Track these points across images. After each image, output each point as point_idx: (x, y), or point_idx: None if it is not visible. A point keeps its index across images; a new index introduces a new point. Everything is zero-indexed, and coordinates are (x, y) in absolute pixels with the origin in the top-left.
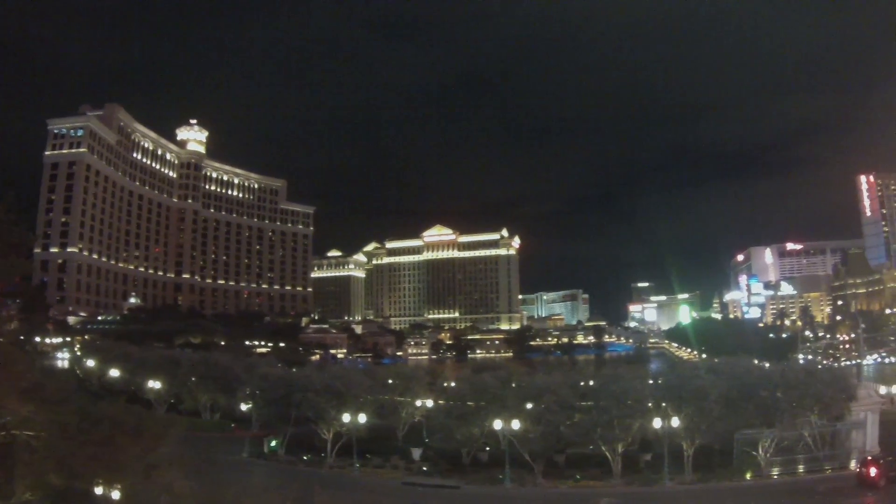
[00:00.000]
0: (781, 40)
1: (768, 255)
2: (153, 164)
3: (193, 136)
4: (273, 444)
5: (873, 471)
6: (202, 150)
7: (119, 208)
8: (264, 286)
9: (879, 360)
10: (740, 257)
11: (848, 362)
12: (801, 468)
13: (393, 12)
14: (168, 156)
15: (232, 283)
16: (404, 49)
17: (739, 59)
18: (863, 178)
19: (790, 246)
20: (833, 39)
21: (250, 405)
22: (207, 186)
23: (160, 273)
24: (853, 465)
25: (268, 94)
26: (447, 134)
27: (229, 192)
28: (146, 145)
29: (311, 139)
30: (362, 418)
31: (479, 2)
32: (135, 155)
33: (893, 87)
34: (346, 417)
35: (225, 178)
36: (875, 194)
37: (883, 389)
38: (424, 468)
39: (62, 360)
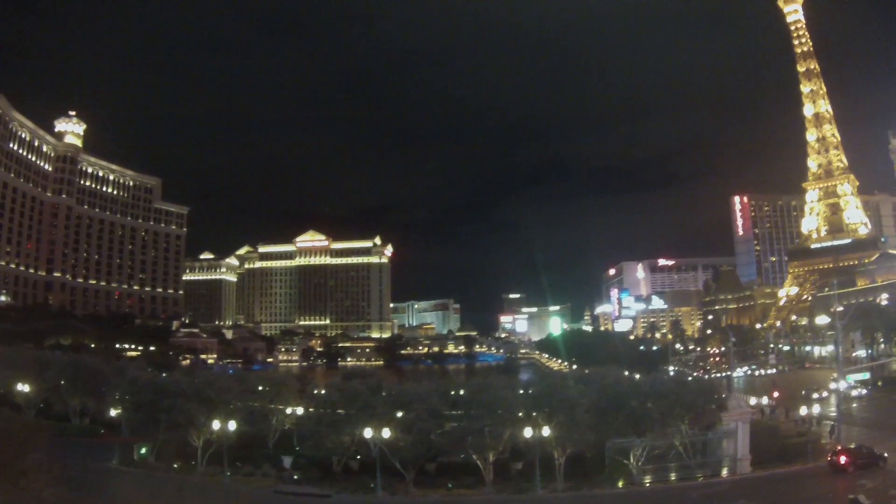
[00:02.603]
0: (660, 61)
1: (640, 269)
2: (29, 156)
3: (71, 129)
4: (143, 450)
5: (843, 459)
6: (79, 143)
7: None
8: (136, 287)
9: (749, 372)
10: (612, 271)
11: (718, 374)
12: (673, 476)
13: (277, 10)
14: (45, 148)
15: (103, 283)
16: (284, 49)
17: (618, 76)
18: (737, 199)
19: (662, 261)
20: (713, 63)
21: (120, 410)
22: (82, 182)
23: (31, 270)
24: (724, 472)
25: (146, 89)
26: (324, 137)
27: (104, 188)
28: (23, 135)
29: (187, 137)
30: (232, 425)
31: (362, 5)
32: (10, 145)
33: (768, 113)
34: (216, 424)
35: (100, 173)
36: (748, 214)
37: (753, 400)
38: (296, 476)
39: None
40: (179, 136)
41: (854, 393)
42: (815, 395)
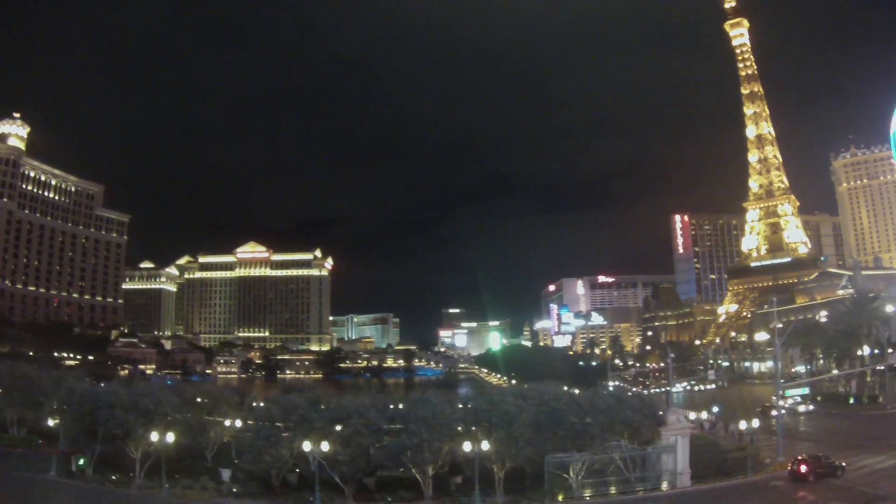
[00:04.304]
0: (605, 80)
1: (580, 286)
2: None
3: (15, 131)
4: (81, 462)
5: (803, 468)
6: (23, 146)
7: None
8: (75, 295)
9: (689, 387)
10: (552, 287)
11: (658, 390)
12: (612, 490)
13: (224, 18)
14: None
15: (43, 290)
16: (230, 57)
17: (563, 95)
18: (677, 218)
19: (602, 278)
20: (658, 84)
21: (58, 421)
22: (24, 186)
23: None
24: (664, 486)
25: (89, 93)
26: (267, 148)
27: (46, 193)
28: None
29: (130, 143)
30: (170, 437)
31: (309, 16)
32: None
33: (711, 134)
34: (154, 436)
35: (42, 178)
36: (688, 233)
37: (692, 415)
38: (234, 490)
39: None
40: (122, 143)
41: (801, 409)
42: (775, 412)
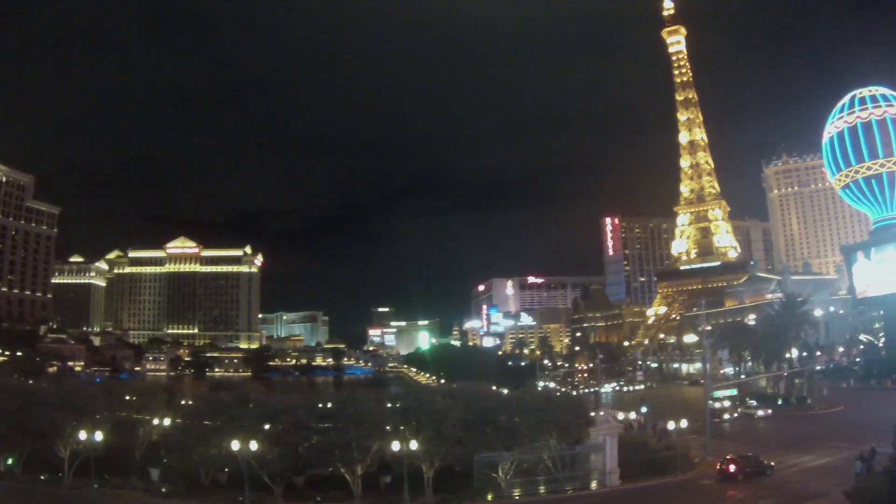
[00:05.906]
0: (543, 82)
1: (509, 286)
2: None
3: None
4: (10, 461)
5: (732, 467)
6: None
7: None
8: (4, 289)
9: (618, 388)
10: (482, 287)
11: (587, 390)
12: (542, 489)
13: (155, 7)
14: None
15: None
16: (163, 46)
17: (501, 94)
18: (608, 220)
19: (532, 279)
20: (596, 88)
21: None
22: None
23: None
24: (594, 485)
25: (20, 80)
26: (199, 140)
27: None
28: None
29: (61, 133)
30: (99, 436)
31: (239, 6)
32: None
33: (646, 139)
34: (82, 434)
35: None
36: (619, 236)
37: (621, 415)
38: (164, 489)
39: None
40: (53, 133)
41: (760, 413)
42: (727, 416)
